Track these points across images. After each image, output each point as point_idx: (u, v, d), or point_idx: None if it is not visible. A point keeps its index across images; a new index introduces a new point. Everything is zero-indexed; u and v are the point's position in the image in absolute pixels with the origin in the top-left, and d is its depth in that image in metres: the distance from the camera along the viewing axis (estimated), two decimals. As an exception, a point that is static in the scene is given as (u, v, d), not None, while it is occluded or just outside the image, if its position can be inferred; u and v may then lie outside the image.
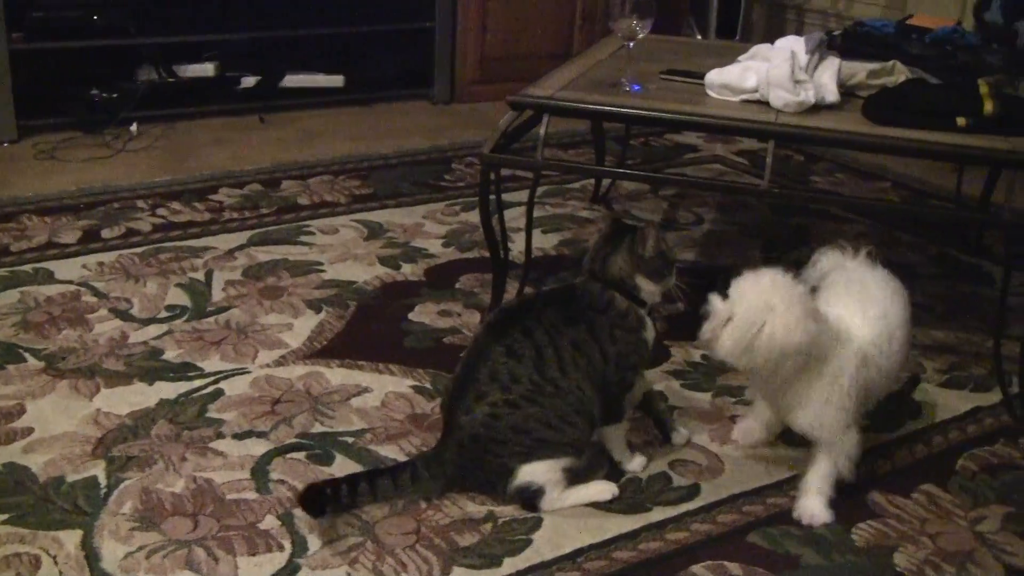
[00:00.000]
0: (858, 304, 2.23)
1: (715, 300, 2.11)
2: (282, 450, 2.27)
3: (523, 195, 3.65)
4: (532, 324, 2.09)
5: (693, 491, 2.21)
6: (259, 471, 2.19)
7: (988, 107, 2.56)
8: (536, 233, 3.41)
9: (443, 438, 2.14)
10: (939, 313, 3.05)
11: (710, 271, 3.22)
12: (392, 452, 2.27)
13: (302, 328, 2.77)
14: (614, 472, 2.24)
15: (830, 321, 2.15)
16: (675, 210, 3.71)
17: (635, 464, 2.26)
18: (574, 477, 2.14)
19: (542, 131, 2.61)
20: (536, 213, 3.55)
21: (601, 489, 2.17)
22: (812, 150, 4.40)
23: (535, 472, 2.08)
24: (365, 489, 2.06)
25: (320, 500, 2.01)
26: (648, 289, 2.18)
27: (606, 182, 3.81)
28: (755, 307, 2.06)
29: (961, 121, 2.56)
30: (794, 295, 2.09)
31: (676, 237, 3.46)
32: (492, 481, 2.11)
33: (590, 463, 2.20)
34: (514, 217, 3.34)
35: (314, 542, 1.99)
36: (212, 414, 2.38)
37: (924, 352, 2.81)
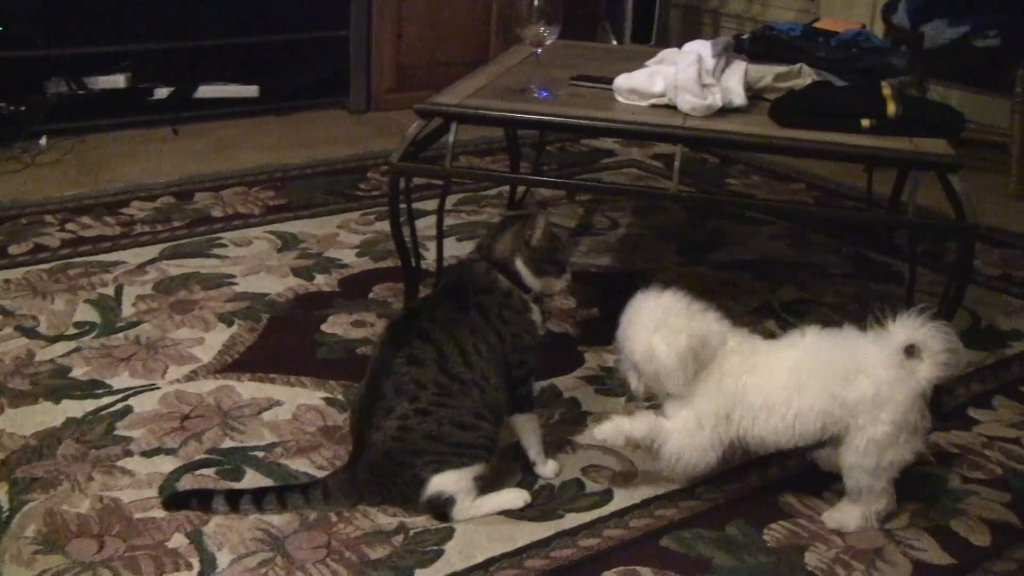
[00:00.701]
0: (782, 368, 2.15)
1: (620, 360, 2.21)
2: (191, 467, 2.23)
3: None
4: (428, 325, 2.08)
5: (606, 497, 2.20)
6: (168, 489, 2.15)
7: (891, 109, 2.59)
8: (451, 241, 3.41)
9: (353, 456, 2.12)
10: (851, 312, 3.08)
11: (625, 276, 3.23)
12: (303, 465, 2.25)
13: (213, 342, 2.73)
14: (528, 479, 2.23)
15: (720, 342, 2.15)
16: (591, 215, 3.72)
17: (549, 469, 2.25)
18: (486, 485, 2.13)
19: (450, 139, 2.60)
20: (451, 221, 3.57)
21: (513, 497, 2.16)
22: (727, 153, 4.44)
23: (446, 482, 2.07)
24: (273, 500, 2.06)
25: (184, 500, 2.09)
26: (529, 279, 2.16)
27: (521, 189, 3.80)
28: (642, 338, 2.11)
29: (865, 123, 2.59)
30: (661, 311, 2.14)
31: (592, 242, 3.47)
32: (405, 494, 2.09)
33: (501, 470, 2.19)
34: (428, 225, 3.32)
35: (223, 559, 1.96)
36: (120, 432, 2.34)
37: (836, 351, 2.83)
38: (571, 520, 2.13)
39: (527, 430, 2.23)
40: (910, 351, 2.08)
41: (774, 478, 2.31)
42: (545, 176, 3.80)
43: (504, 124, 3.08)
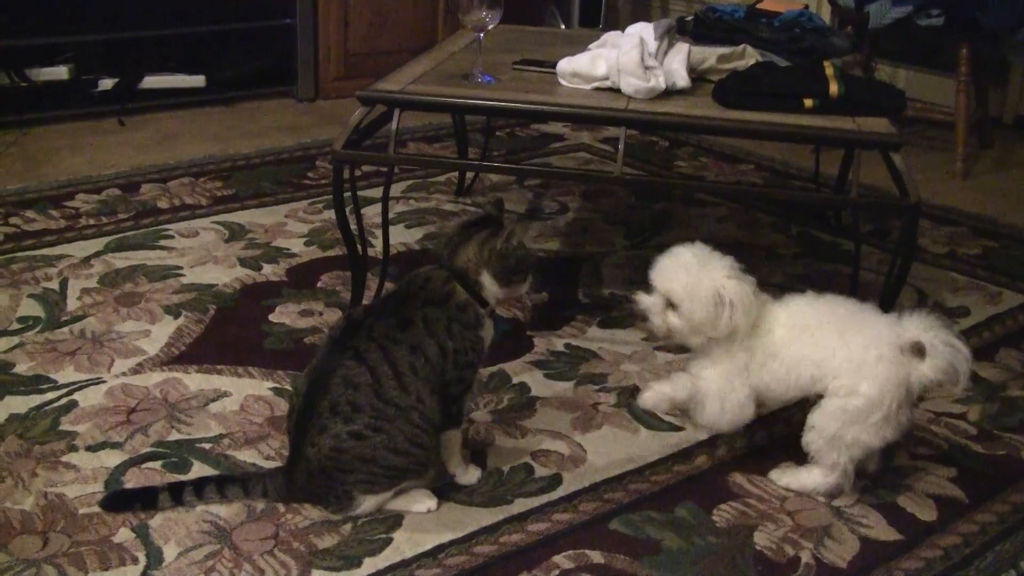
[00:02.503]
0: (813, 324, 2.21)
1: (642, 297, 2.22)
2: (137, 460, 2.21)
3: (393, 189, 3.65)
4: (364, 345, 1.99)
5: (555, 481, 2.20)
6: (113, 483, 2.13)
7: (834, 88, 2.60)
8: (399, 228, 3.40)
9: (290, 461, 2.07)
10: (800, 292, 3.09)
11: (573, 260, 3.23)
12: (251, 456, 2.23)
13: (160, 334, 2.71)
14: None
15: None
16: (540, 200, 3.72)
17: (469, 477, 2.19)
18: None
19: (393, 126, 2.58)
20: (400, 208, 3.56)
21: (420, 501, 2.11)
22: (676, 136, 4.45)
23: (376, 502, 2.06)
24: (214, 490, 2.07)
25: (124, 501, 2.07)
26: (492, 290, 2.10)
27: (470, 174, 3.80)
28: (692, 282, 2.17)
29: (808, 103, 2.59)
30: (717, 258, 2.21)
31: (541, 227, 3.47)
32: (337, 505, 2.05)
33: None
34: (377, 213, 3.31)
35: (169, 553, 1.94)
36: (65, 427, 2.31)
37: (784, 331, 2.85)
38: (520, 505, 2.13)
39: (450, 445, 2.15)
40: (918, 350, 2.08)
41: (723, 459, 2.32)
42: (492, 162, 3.80)
43: (446, 110, 3.07)
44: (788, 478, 2.22)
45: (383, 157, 2.67)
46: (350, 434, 1.97)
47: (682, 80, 2.70)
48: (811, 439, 2.15)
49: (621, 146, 2.56)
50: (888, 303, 2.58)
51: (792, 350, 2.16)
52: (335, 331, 2.08)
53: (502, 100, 2.60)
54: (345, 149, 2.60)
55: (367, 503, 2.05)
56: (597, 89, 2.68)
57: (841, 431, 2.10)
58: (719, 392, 2.19)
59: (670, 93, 2.67)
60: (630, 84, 2.62)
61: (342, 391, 1.97)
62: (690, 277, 2.17)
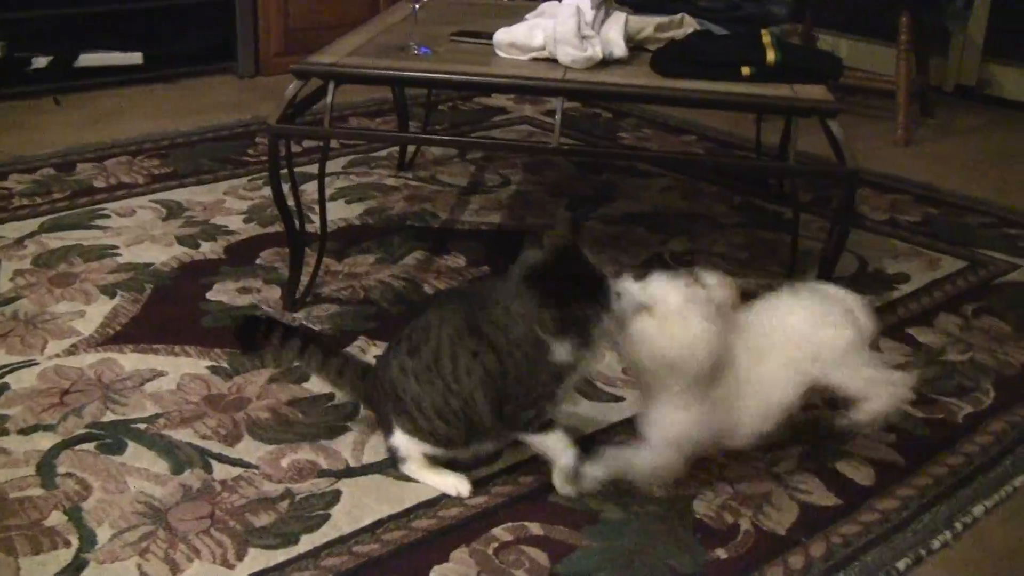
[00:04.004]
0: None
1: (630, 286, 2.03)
2: (71, 442, 2.17)
3: (332, 165, 3.62)
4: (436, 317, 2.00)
5: (495, 454, 2.19)
6: (45, 466, 2.10)
7: (771, 56, 2.59)
8: (340, 203, 3.37)
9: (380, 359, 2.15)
10: (742, 260, 3.10)
11: (515, 233, 3.21)
12: (187, 436, 2.20)
13: (95, 315, 2.67)
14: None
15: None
16: (482, 173, 3.70)
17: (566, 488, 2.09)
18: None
19: (328, 99, 2.55)
20: (341, 183, 3.53)
21: (451, 483, 2.08)
22: (619, 107, 4.43)
23: (407, 444, 2.06)
24: (296, 345, 2.15)
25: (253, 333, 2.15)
26: (554, 345, 1.92)
27: (411, 149, 3.77)
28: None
29: (746, 71, 2.59)
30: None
31: (483, 200, 3.45)
32: (383, 424, 2.12)
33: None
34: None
35: (103, 535, 1.91)
36: (-4, 410, 2.28)
37: (726, 300, 2.85)
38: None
39: (547, 449, 2.06)
40: None
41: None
42: (430, 135, 3.78)
43: (381, 82, 3.03)
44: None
45: (318, 131, 2.64)
46: (402, 367, 2.01)
47: (619, 49, 2.69)
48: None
49: (558, 117, 2.55)
50: (827, 270, 2.59)
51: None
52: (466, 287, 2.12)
53: (438, 72, 2.57)
54: (280, 124, 2.56)
55: (399, 438, 2.07)
56: (534, 60, 2.66)
57: None
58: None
59: (608, 63, 2.65)
60: (567, 54, 2.60)
61: (419, 332, 2.01)
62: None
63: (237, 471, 2.11)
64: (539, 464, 2.14)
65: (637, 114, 4.38)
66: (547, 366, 1.94)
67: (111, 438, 2.19)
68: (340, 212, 3.31)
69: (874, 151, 4.07)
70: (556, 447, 2.05)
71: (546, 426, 2.04)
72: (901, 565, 1.95)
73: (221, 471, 2.10)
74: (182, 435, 2.21)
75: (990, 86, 4.92)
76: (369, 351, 2.54)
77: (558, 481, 2.08)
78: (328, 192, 3.40)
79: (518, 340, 1.93)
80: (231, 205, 3.36)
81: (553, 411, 2.03)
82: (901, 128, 4.23)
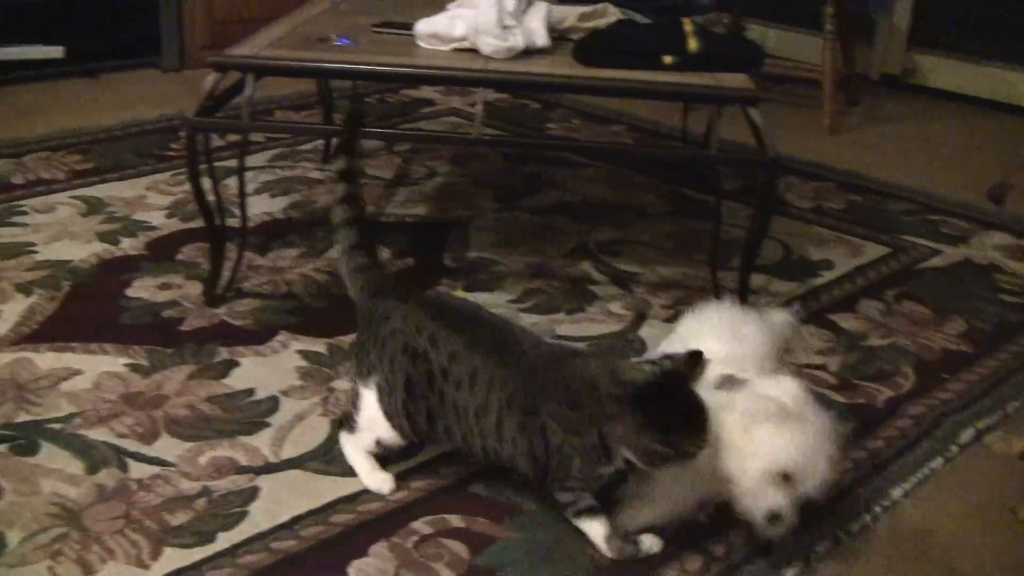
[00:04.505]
0: None
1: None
2: (-17, 443, 2.14)
3: (257, 159, 3.59)
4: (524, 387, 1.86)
5: (415, 448, 2.16)
6: (-44, 469, 2.06)
7: (692, 45, 2.60)
8: (264, 197, 3.34)
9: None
10: (667, 250, 3.10)
11: (440, 224, 3.20)
12: (103, 435, 2.16)
13: (10, 314, 2.61)
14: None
15: None
16: (408, 165, 3.67)
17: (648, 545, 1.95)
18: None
19: (246, 92, 2.52)
20: (266, 177, 3.50)
21: (378, 479, 2.05)
22: (548, 98, 4.43)
23: (371, 411, 2.02)
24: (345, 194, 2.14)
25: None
26: (633, 462, 1.81)
27: (336, 141, 3.73)
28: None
29: (668, 59, 2.58)
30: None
31: (408, 192, 3.43)
32: (358, 369, 2.06)
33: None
34: (245, 181, 3.28)
35: (13, 538, 1.87)
36: (-94, 413, 2.23)
37: (652, 290, 2.85)
38: (381, 473, 2.10)
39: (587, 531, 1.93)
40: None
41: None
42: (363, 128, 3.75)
43: (299, 74, 2.98)
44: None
45: (236, 124, 2.60)
46: (429, 376, 1.93)
47: (542, 39, 2.67)
48: None
49: (479, 107, 2.54)
50: (750, 258, 2.59)
51: None
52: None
53: (357, 63, 2.55)
54: (199, 117, 2.53)
55: (368, 403, 2.01)
56: (456, 50, 2.64)
57: None
58: None
59: (530, 52, 2.63)
60: (488, 44, 2.59)
61: (462, 363, 1.90)
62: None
63: (154, 470, 2.08)
64: (458, 456, 2.13)
65: (566, 104, 4.37)
66: (597, 473, 1.86)
67: (24, 439, 2.15)
68: (264, 206, 3.27)
69: (801, 140, 4.09)
70: (594, 533, 1.91)
71: (586, 512, 1.91)
72: (820, 548, 1.96)
73: (138, 470, 2.07)
74: (98, 434, 2.17)
75: (915, 75, 4.97)
76: (290, 345, 2.52)
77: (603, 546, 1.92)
78: (252, 186, 3.38)
79: (581, 446, 1.82)
80: (153, 200, 3.31)
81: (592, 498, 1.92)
82: (827, 117, 4.26)
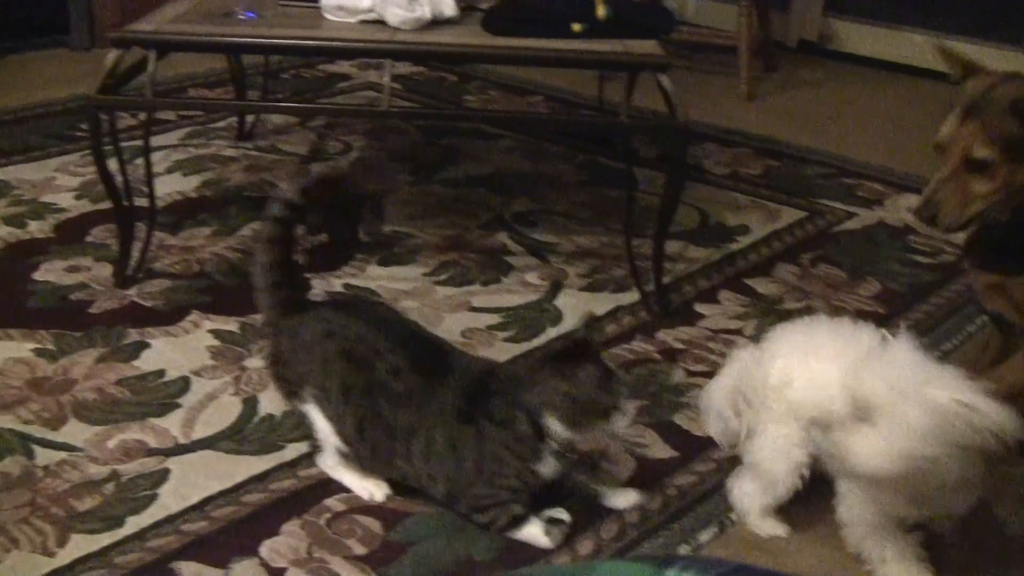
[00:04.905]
0: None
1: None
2: None
3: (169, 138, 3.53)
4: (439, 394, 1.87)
5: (330, 424, 2.15)
6: None
7: (600, 12, 2.58)
8: (176, 176, 3.29)
9: None
10: (584, 219, 3.10)
11: (355, 199, 3.16)
12: (7, 422, 2.11)
13: (-88, 300, 2.56)
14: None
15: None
16: (324, 140, 3.63)
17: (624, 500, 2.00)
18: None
19: (149, 68, 2.47)
20: (178, 156, 3.44)
21: (363, 487, 1.99)
22: (465, 69, 4.40)
23: (320, 424, 1.96)
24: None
25: None
26: (560, 433, 1.83)
27: (251, 118, 3.68)
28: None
29: (576, 27, 2.57)
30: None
31: (323, 168, 3.38)
32: (286, 386, 2.01)
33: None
34: (155, 161, 3.23)
35: (-87, 531, 1.84)
36: None
37: (568, 259, 2.84)
38: (292, 451, 2.07)
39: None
40: None
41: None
42: (264, 103, 3.72)
43: (202, 49, 2.94)
44: None
45: (139, 101, 2.55)
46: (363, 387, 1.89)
47: (449, 9, 2.64)
48: None
49: (386, 78, 2.51)
50: (664, 225, 2.59)
51: None
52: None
53: (261, 37, 2.51)
54: (101, 95, 2.47)
55: (318, 421, 1.95)
56: (363, 22, 2.61)
57: None
58: None
59: (438, 23, 2.61)
60: (395, 15, 2.56)
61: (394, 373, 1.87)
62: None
63: (61, 455, 2.04)
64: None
65: (483, 76, 4.34)
66: (528, 474, 1.86)
67: (-75, 429, 2.10)
68: (176, 185, 3.22)
69: (718, 107, 4.10)
70: (533, 536, 1.89)
71: (512, 523, 1.89)
72: (735, 515, 1.97)
73: (44, 456, 2.03)
74: (2, 422, 2.12)
75: (831, 41, 4.99)
76: (202, 325, 2.48)
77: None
78: (164, 165, 3.33)
79: (517, 439, 1.83)
80: (62, 182, 3.24)
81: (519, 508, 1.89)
82: (744, 83, 4.27)
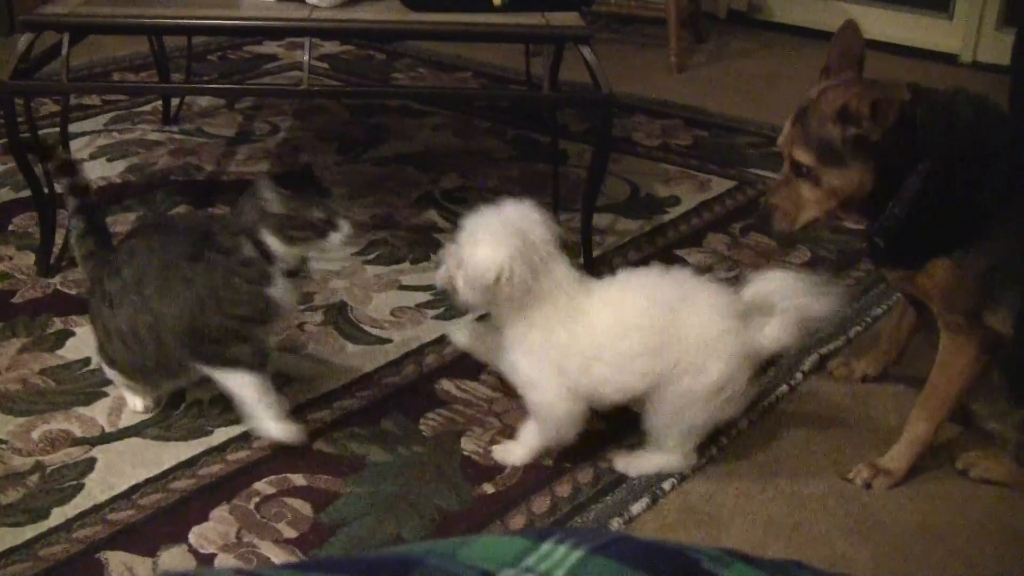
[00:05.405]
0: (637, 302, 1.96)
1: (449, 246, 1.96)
2: None
3: (93, 123, 3.48)
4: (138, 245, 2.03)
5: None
6: None
7: (521, -16, 2.57)
8: (101, 162, 3.23)
9: None
10: (514, 194, 3.07)
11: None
12: (-71, 415, 2.09)
13: None
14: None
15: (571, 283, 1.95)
16: (250, 122, 3.59)
17: (279, 431, 2.03)
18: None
19: (64, 50, 2.42)
20: (103, 141, 3.39)
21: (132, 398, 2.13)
22: (394, 47, 4.36)
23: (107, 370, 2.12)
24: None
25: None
26: (277, 248, 1.96)
27: (175, 101, 3.63)
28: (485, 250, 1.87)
29: (497, 1, 2.55)
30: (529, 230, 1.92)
31: (250, 149, 3.35)
32: None
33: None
34: (82, 147, 3.22)
35: None
36: None
37: (498, 235, 2.83)
38: (220, 435, 2.06)
39: (243, 391, 2.01)
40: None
41: (432, 366, 2.29)
42: (188, 84, 3.68)
43: (117, 31, 2.89)
44: (633, 467, 2.02)
45: (53, 85, 2.51)
46: (104, 290, 2.03)
47: (369, -15, 2.62)
48: (655, 425, 1.98)
49: (306, 57, 2.48)
50: (590, 197, 2.59)
51: (621, 347, 1.91)
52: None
53: (176, 18, 2.47)
54: (13, 80, 2.43)
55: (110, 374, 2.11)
56: (282, 0, 2.58)
57: (688, 415, 1.95)
58: (548, 410, 1.95)
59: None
60: (313, -8, 2.53)
61: (124, 254, 2.03)
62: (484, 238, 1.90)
63: (-17, 448, 2.01)
64: (300, 414, 2.10)
65: (411, 54, 4.31)
66: (262, 301, 1.96)
67: None
68: (101, 171, 3.16)
69: (648, 78, 4.10)
70: (246, 390, 2.01)
71: (245, 366, 2.00)
72: (667, 485, 1.98)
73: (-34, 449, 2.00)
74: (-73, 413, 2.09)
75: (761, 11, 5.01)
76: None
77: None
78: (88, 151, 3.28)
79: (244, 264, 1.95)
80: (-18, 171, 3.19)
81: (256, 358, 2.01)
82: (674, 55, 4.27)
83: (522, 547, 0.72)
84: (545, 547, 0.71)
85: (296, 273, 2.02)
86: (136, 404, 2.11)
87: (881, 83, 1.88)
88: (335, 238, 1.96)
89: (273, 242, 1.95)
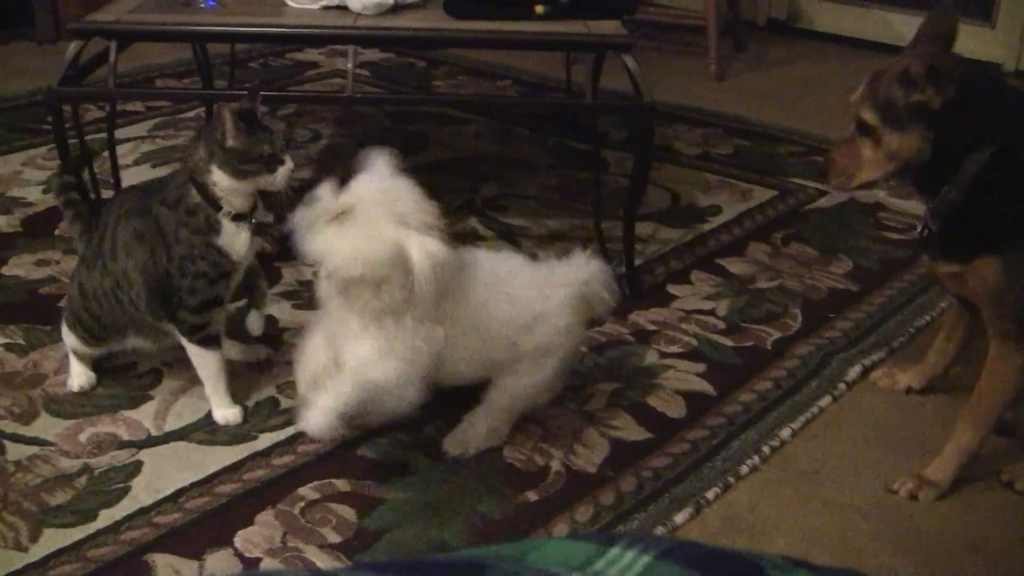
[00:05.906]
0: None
1: (327, 190, 1.95)
2: None
3: (138, 129, 3.51)
4: (112, 207, 2.11)
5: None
6: None
7: (563, -8, 2.58)
8: (145, 168, 3.26)
9: None
10: (554, 203, 3.09)
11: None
12: (-23, 418, 2.11)
13: None
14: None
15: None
16: (293, 128, 3.61)
17: (227, 414, 2.12)
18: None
19: (111, 58, 2.45)
20: (146, 147, 3.42)
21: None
22: (433, 55, 4.38)
23: (70, 339, 2.18)
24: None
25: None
26: (228, 185, 1.98)
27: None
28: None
29: (539, 9, 2.56)
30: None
31: (292, 155, 3.35)
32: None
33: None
34: (125, 153, 3.23)
35: None
36: None
37: (539, 242, 2.84)
38: (265, 440, 2.07)
39: (204, 366, 2.10)
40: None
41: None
42: (229, 91, 3.69)
43: (163, 38, 2.91)
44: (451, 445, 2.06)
45: (101, 92, 2.54)
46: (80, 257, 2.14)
47: (411, -7, 2.64)
48: (493, 414, 2.06)
49: (350, 64, 2.49)
50: (633, 205, 2.59)
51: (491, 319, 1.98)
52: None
53: (222, 25, 2.49)
54: (62, 87, 2.45)
55: (66, 336, 2.18)
56: (325, 8, 2.59)
57: (522, 404, 2.08)
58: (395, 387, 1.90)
59: (400, 7, 2.59)
60: (357, 0, 2.54)
61: (95, 219, 2.12)
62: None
63: (32, 450, 2.03)
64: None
65: (451, 62, 4.33)
66: (214, 251, 2.01)
67: None
68: (144, 176, 3.19)
69: (688, 87, 4.10)
70: (210, 368, 2.10)
71: (208, 342, 2.08)
72: (710, 495, 1.97)
73: (15, 451, 2.02)
74: (-29, 417, 2.11)
75: (800, 19, 5.00)
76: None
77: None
78: (132, 157, 3.31)
79: (189, 213, 1.99)
80: (29, 176, 3.22)
81: (219, 330, 2.11)
82: (713, 63, 4.27)
83: (590, 551, 0.72)
84: (613, 552, 0.72)
85: (262, 228, 2.09)
86: (76, 382, 2.19)
87: (947, 53, 1.90)
88: (282, 171, 2.03)
89: (221, 177, 1.98)
